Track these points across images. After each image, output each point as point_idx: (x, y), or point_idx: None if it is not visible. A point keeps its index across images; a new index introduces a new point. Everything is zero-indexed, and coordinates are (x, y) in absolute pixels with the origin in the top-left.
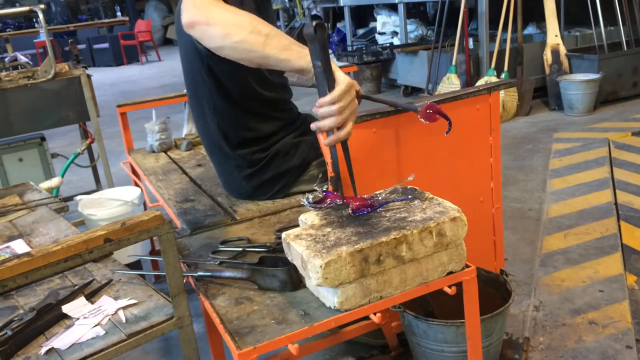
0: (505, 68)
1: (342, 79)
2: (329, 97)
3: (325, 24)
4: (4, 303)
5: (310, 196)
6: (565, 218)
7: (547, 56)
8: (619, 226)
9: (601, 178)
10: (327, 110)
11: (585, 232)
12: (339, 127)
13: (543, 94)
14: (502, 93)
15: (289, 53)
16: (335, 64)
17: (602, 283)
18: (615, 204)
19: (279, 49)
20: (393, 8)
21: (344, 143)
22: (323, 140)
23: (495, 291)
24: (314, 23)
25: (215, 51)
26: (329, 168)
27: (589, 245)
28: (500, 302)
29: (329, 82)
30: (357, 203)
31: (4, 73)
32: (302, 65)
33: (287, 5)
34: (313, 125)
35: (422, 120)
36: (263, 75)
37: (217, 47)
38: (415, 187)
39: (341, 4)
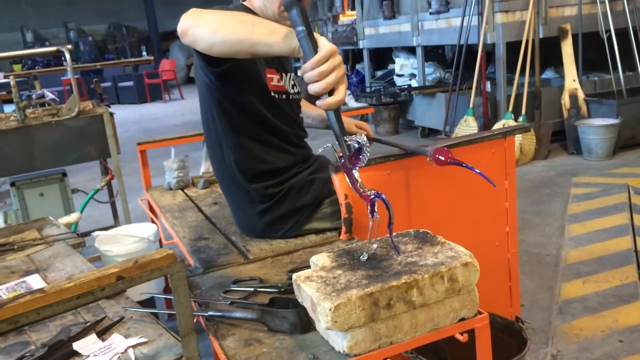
0: (523, 111)
1: (324, 45)
2: (309, 63)
3: None
4: (16, 338)
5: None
6: (584, 264)
7: (565, 100)
8: (639, 274)
9: (621, 224)
10: (310, 76)
11: (604, 280)
12: (330, 93)
13: (561, 137)
14: (519, 136)
15: (276, 36)
16: (317, 34)
17: (622, 333)
18: (635, 251)
19: (266, 34)
20: (411, 51)
21: (336, 112)
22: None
23: (510, 339)
24: None
25: (207, 51)
26: (343, 209)
27: (608, 293)
28: (516, 350)
29: (313, 47)
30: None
31: (29, 110)
32: (291, 46)
33: None
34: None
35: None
36: (278, 108)
37: (209, 46)
38: (428, 231)
39: (360, 46)
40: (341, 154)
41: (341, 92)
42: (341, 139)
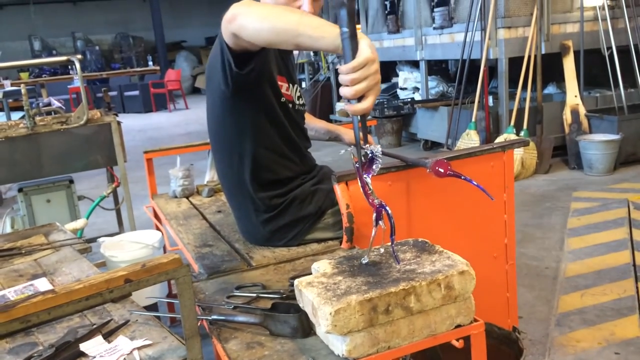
0: (525, 126)
1: (364, 52)
2: (345, 67)
3: None
4: (24, 339)
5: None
6: (583, 278)
7: (567, 116)
8: (637, 288)
9: (620, 239)
10: (344, 79)
11: (602, 293)
12: (359, 99)
13: (563, 152)
14: (521, 150)
15: (323, 31)
16: (363, 35)
17: (618, 345)
18: (634, 265)
19: (314, 27)
20: (415, 65)
21: (362, 118)
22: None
23: (508, 349)
24: None
25: (252, 38)
26: (344, 219)
27: (606, 306)
28: None
29: (353, 51)
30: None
31: (38, 118)
32: (335, 43)
33: (313, 59)
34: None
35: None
36: (290, 114)
37: (256, 32)
38: (426, 240)
39: None
40: (357, 160)
41: (369, 101)
42: (359, 146)
